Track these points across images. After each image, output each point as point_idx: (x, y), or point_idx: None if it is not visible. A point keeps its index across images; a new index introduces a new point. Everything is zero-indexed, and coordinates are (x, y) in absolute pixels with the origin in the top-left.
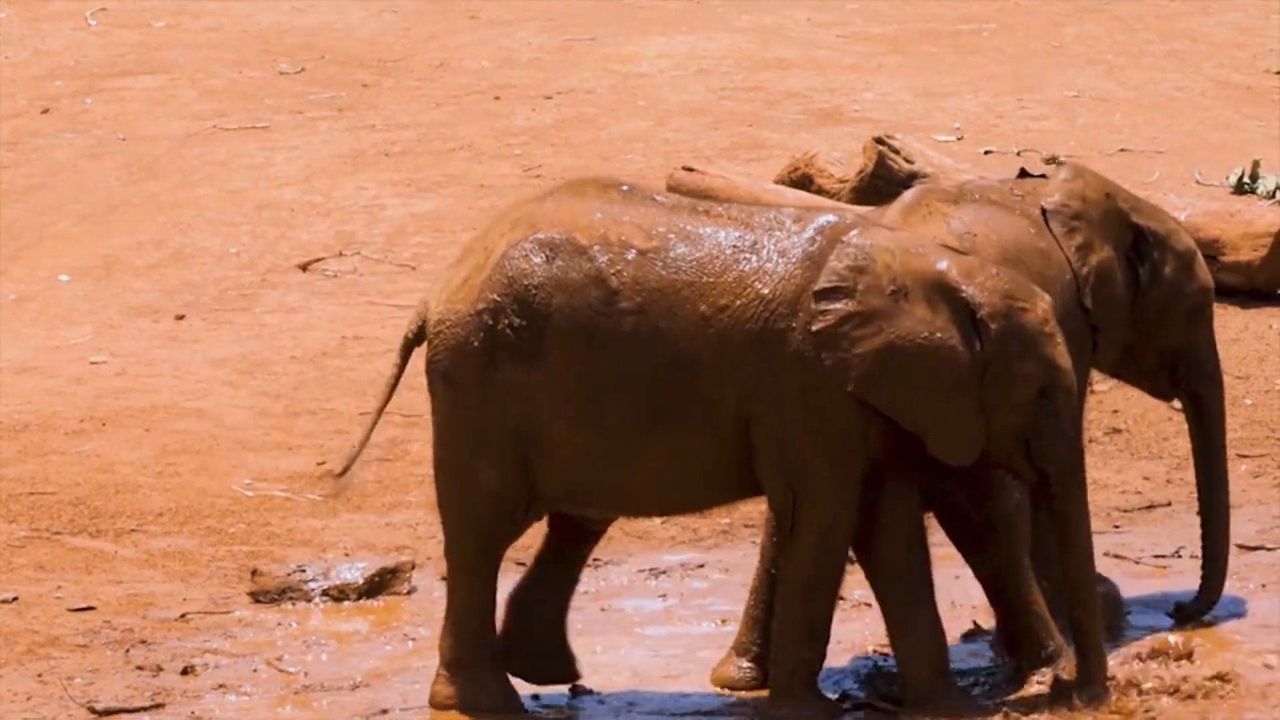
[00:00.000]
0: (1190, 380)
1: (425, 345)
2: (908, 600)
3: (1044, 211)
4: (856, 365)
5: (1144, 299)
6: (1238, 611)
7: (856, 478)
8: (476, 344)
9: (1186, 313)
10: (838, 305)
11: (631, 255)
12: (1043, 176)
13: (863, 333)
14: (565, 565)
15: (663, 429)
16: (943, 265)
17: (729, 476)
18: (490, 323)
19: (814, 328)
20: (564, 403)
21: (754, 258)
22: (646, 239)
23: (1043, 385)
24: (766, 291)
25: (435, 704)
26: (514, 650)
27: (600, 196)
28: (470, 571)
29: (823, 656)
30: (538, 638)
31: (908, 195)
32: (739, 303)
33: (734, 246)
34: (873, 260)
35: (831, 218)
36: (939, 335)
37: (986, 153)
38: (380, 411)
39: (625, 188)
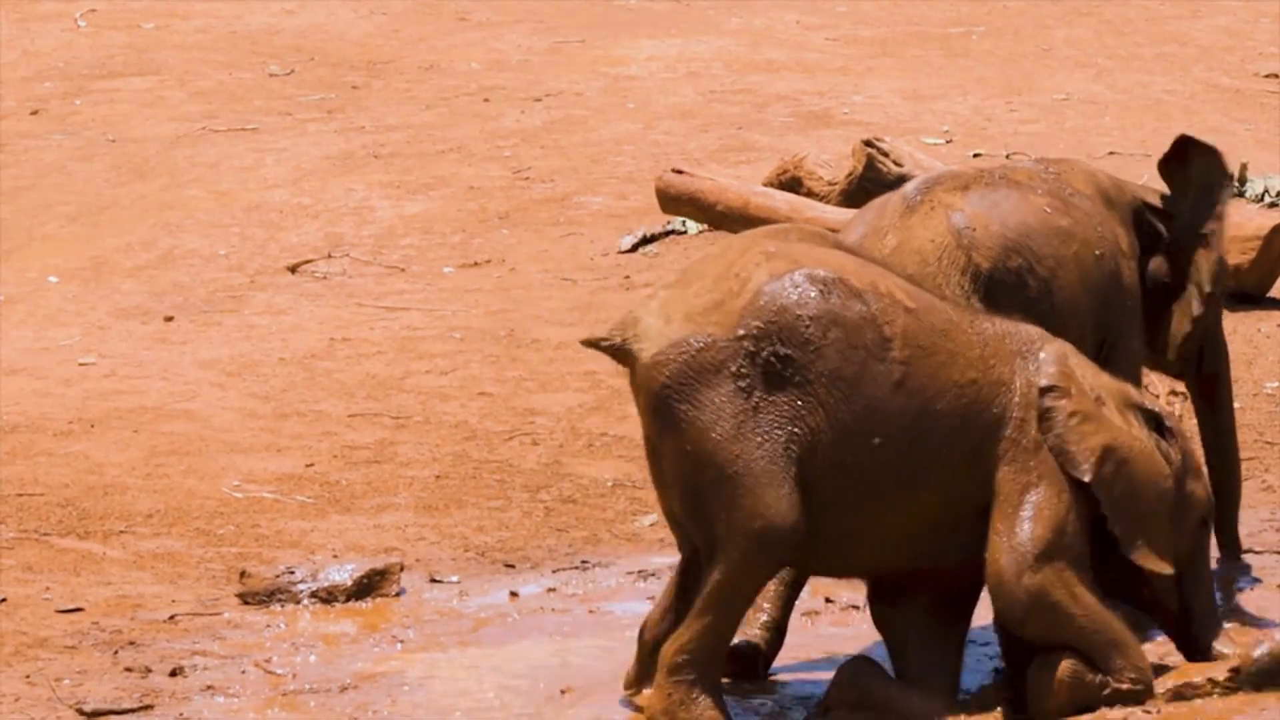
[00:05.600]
0: (1212, 360)
1: (640, 365)
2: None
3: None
4: (1085, 459)
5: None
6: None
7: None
8: (734, 369)
9: (1219, 296)
10: (1062, 402)
11: (900, 309)
12: None
13: (1087, 428)
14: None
15: (905, 484)
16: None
17: (947, 539)
18: (752, 349)
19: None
20: (812, 438)
21: (984, 339)
22: (909, 297)
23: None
24: (1006, 374)
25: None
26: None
27: (834, 244)
28: (731, 594)
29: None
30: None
31: (910, 187)
32: (982, 379)
33: (970, 323)
34: (1071, 368)
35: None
36: (1145, 443)
37: (975, 155)
38: None
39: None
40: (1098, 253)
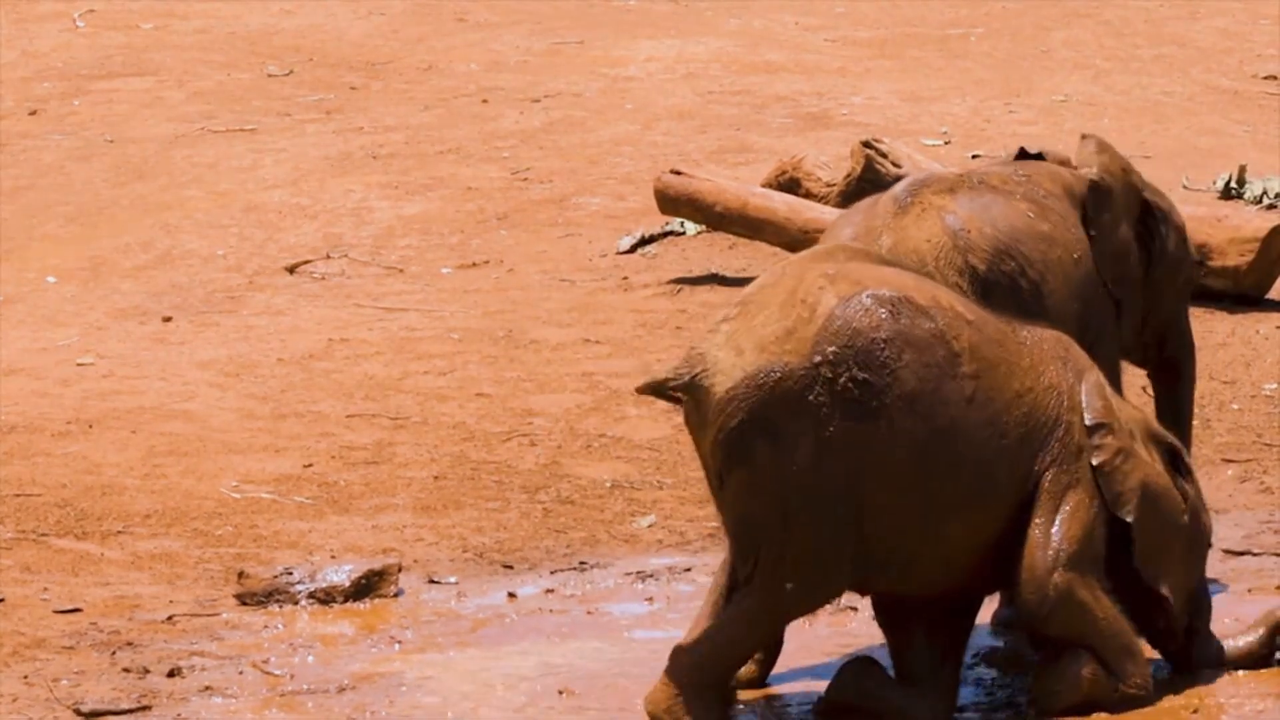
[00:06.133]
0: (1175, 350)
1: (714, 400)
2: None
3: (1091, 185)
4: (1130, 499)
5: (1152, 273)
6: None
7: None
8: (812, 397)
9: (1182, 285)
10: (1109, 439)
11: (964, 323)
12: (1040, 155)
13: (1129, 467)
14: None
15: (972, 501)
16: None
17: (1007, 551)
18: (829, 376)
19: (1094, 461)
20: (889, 462)
21: (1028, 347)
22: (967, 310)
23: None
24: (1055, 379)
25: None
26: None
27: (884, 262)
28: (760, 619)
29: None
30: None
31: (899, 189)
32: (1036, 386)
33: (1012, 331)
34: (1109, 399)
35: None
36: (1165, 478)
37: (974, 157)
38: None
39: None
40: (1075, 255)
